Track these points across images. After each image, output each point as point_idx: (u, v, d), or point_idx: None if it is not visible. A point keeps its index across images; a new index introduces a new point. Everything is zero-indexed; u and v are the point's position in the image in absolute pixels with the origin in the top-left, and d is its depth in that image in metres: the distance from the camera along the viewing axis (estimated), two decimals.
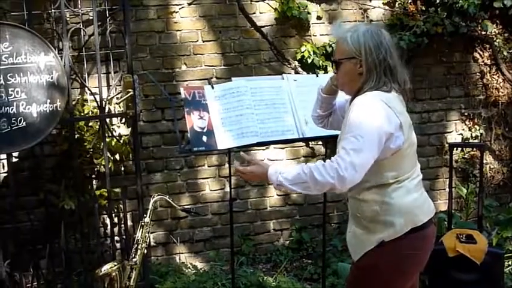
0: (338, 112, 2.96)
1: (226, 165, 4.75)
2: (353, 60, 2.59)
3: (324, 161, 2.49)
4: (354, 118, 2.49)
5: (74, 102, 4.42)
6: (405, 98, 2.67)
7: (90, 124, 4.53)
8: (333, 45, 5.04)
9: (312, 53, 5.02)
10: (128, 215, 4.60)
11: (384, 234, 2.59)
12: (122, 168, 4.70)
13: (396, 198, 2.59)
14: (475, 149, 5.51)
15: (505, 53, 5.56)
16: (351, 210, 2.76)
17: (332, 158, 2.47)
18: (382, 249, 2.59)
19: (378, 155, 2.49)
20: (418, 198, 2.67)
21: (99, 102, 4.27)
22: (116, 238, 4.64)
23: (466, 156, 5.60)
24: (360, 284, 2.73)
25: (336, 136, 3.33)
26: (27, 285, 4.35)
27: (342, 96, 2.92)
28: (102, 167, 4.45)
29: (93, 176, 4.62)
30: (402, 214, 2.59)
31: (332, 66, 5.04)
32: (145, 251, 3.21)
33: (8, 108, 3.81)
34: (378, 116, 2.49)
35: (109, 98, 4.51)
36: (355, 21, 5.23)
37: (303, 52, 5.03)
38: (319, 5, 5.15)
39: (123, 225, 4.56)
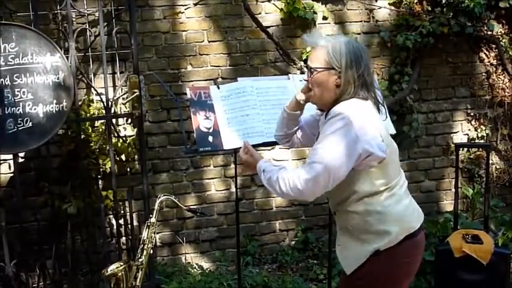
0: (306, 128, 2.92)
1: (232, 166, 4.76)
2: (332, 71, 2.53)
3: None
4: (329, 129, 2.45)
5: (80, 103, 4.43)
6: (378, 109, 2.62)
7: (96, 124, 4.55)
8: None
9: None
10: (134, 215, 4.60)
11: (379, 244, 2.55)
12: (128, 169, 4.70)
13: (389, 207, 2.56)
14: (481, 149, 5.50)
15: (511, 53, 5.54)
16: (341, 224, 2.69)
17: (298, 168, 2.46)
18: (376, 258, 2.55)
19: (351, 167, 2.45)
20: (409, 205, 2.66)
21: (105, 103, 4.27)
22: (122, 238, 4.64)
23: (472, 157, 5.59)
24: None
25: None
26: (34, 285, 4.36)
27: (306, 113, 2.89)
28: (108, 167, 4.45)
29: (99, 176, 4.63)
30: (396, 222, 2.57)
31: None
32: (151, 251, 3.21)
33: (14, 108, 3.82)
34: (354, 126, 2.44)
35: (115, 98, 4.52)
36: (361, 21, 5.23)
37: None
38: (325, 6, 5.14)
39: (129, 226, 4.57)
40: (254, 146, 3.45)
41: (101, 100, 4.36)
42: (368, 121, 2.50)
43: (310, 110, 2.87)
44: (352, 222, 2.60)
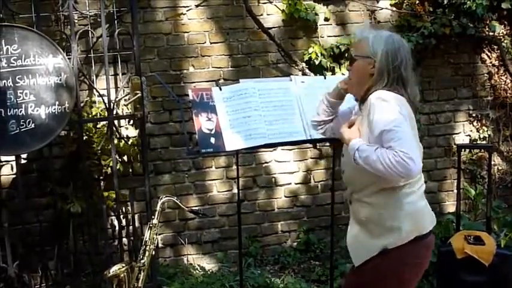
0: (341, 120, 2.94)
1: (234, 167, 4.76)
2: (367, 60, 2.62)
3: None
4: (379, 114, 2.49)
5: (82, 104, 4.43)
6: (413, 110, 2.66)
7: (98, 126, 4.55)
8: (341, 46, 5.07)
9: (319, 54, 5.02)
10: (136, 217, 4.61)
11: (388, 241, 2.58)
12: (130, 170, 4.71)
13: (406, 204, 2.59)
14: (483, 150, 5.50)
15: None
16: (355, 214, 2.73)
17: (390, 151, 2.42)
18: (385, 257, 2.58)
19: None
20: (425, 206, 2.69)
21: (107, 104, 4.28)
22: (124, 239, 4.65)
23: (474, 158, 5.58)
24: None
25: None
26: (36, 286, 4.37)
27: (345, 105, 2.94)
28: (110, 168, 4.45)
29: (101, 177, 4.63)
30: (409, 220, 2.59)
31: (340, 66, 5.06)
32: (153, 253, 3.21)
33: (16, 110, 3.82)
34: (398, 105, 2.51)
35: (117, 99, 4.52)
36: (362, 22, 5.22)
37: (311, 53, 5.03)
38: (327, 7, 5.15)
39: (131, 227, 4.57)
40: (256, 147, 3.49)
41: (103, 101, 4.36)
42: (403, 106, 2.54)
43: (349, 103, 2.93)
44: (366, 214, 2.63)
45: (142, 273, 3.11)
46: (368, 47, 2.62)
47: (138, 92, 4.21)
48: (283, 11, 5.02)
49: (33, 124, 3.86)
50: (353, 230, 2.73)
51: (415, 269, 2.67)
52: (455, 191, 4.65)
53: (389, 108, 2.49)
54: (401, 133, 2.43)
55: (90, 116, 4.54)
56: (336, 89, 2.89)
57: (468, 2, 5.17)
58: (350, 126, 2.68)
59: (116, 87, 4.67)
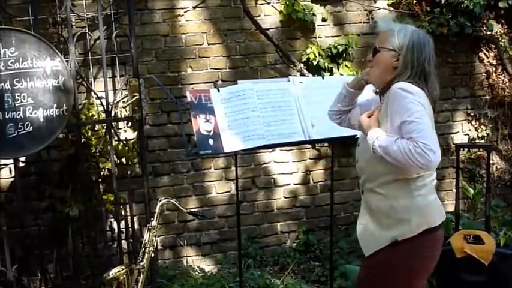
0: (358, 110, 2.95)
1: (233, 168, 4.75)
2: (392, 53, 2.63)
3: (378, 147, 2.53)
4: (401, 104, 2.52)
5: (80, 107, 4.43)
6: (432, 104, 2.69)
7: (96, 128, 4.54)
8: (338, 46, 5.06)
9: (317, 55, 5.02)
10: (135, 219, 4.60)
11: (397, 232, 2.59)
12: (129, 172, 4.70)
13: (418, 197, 2.61)
14: (481, 150, 5.50)
15: (511, 53, 5.54)
16: (366, 204, 2.74)
17: (411, 142, 2.44)
18: (395, 249, 2.59)
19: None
20: (435, 200, 2.70)
21: (105, 106, 4.28)
22: (123, 242, 4.64)
23: (472, 157, 5.59)
24: (371, 285, 2.72)
25: (341, 138, 3.35)
26: None
27: (363, 96, 2.95)
28: (108, 170, 4.45)
29: (100, 179, 4.63)
30: (420, 213, 2.60)
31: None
32: (153, 255, 3.21)
33: (14, 113, 3.82)
34: (420, 97, 2.54)
35: (115, 101, 4.51)
36: (360, 22, 5.23)
37: (309, 54, 5.02)
38: (324, 7, 5.15)
39: (130, 229, 4.57)
40: (255, 148, 3.48)
41: (101, 104, 4.36)
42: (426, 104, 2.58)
43: (367, 96, 2.94)
44: (378, 204, 2.65)
45: (141, 275, 3.11)
46: (393, 39, 2.63)
47: (136, 94, 4.21)
48: (280, 11, 5.02)
49: (31, 127, 3.85)
50: (363, 219, 2.76)
51: (425, 261, 2.67)
52: (454, 190, 4.66)
53: (412, 100, 2.51)
54: (423, 125, 2.46)
55: (88, 118, 4.53)
56: (356, 79, 2.90)
57: (465, 1, 5.17)
58: (369, 116, 2.69)
59: (114, 90, 4.67)
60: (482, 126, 5.59)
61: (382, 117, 2.64)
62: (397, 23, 2.74)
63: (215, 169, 5.04)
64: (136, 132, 4.56)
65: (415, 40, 2.63)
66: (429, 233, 2.62)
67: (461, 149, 5.34)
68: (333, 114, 3.04)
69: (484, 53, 5.57)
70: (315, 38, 5.15)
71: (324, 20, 5.16)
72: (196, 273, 4.85)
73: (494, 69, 5.58)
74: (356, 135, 3.40)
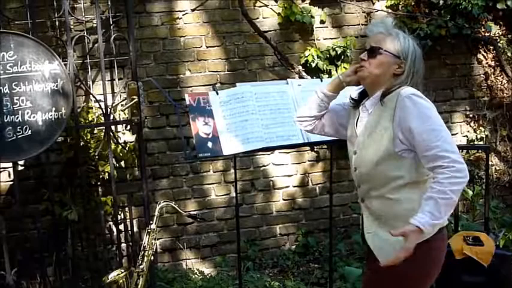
0: (332, 116, 2.91)
1: (232, 171, 4.75)
2: (396, 59, 2.60)
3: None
4: (419, 111, 2.49)
5: (78, 110, 4.43)
6: None
7: (95, 131, 4.54)
8: (337, 48, 5.06)
9: (315, 57, 5.02)
10: (134, 222, 4.60)
11: None
12: (128, 175, 4.70)
13: None
14: (480, 151, 5.50)
15: (509, 54, 5.56)
16: (371, 211, 2.67)
17: (438, 164, 2.40)
18: (413, 254, 2.49)
19: None
20: None
21: (104, 109, 4.28)
22: (123, 245, 4.64)
23: (471, 158, 5.59)
24: None
25: (340, 140, 3.33)
26: None
27: (333, 101, 2.90)
28: (107, 174, 4.45)
29: (99, 183, 4.63)
30: None
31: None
32: (152, 258, 3.21)
33: (13, 116, 3.82)
34: (431, 105, 2.55)
35: (114, 105, 4.52)
36: (359, 24, 5.24)
37: (307, 56, 5.03)
38: (323, 9, 5.16)
39: (129, 232, 4.57)
40: (253, 151, 3.48)
41: (100, 107, 4.36)
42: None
43: (336, 101, 2.91)
44: (389, 210, 2.60)
45: (141, 278, 3.11)
46: (399, 46, 2.60)
47: (134, 97, 4.21)
48: (279, 14, 5.03)
49: (30, 131, 3.85)
50: (371, 228, 2.68)
51: (438, 261, 2.66)
52: None
53: (428, 106, 2.52)
54: (444, 131, 2.48)
55: (87, 121, 4.53)
56: (335, 82, 2.84)
57: (463, 3, 5.18)
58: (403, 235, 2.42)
59: (113, 93, 4.67)
60: (481, 128, 5.59)
61: (381, 121, 2.57)
62: (396, 29, 2.68)
63: (214, 172, 5.04)
64: (135, 135, 4.56)
65: (417, 51, 2.63)
66: (440, 232, 2.61)
67: (460, 151, 5.32)
68: (305, 120, 2.95)
69: (483, 55, 5.58)
70: (314, 40, 5.15)
71: (322, 22, 5.16)
72: (196, 276, 4.85)
73: (492, 70, 5.59)
74: None
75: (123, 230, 4.63)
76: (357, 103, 2.76)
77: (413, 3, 5.25)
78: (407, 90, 2.54)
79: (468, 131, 5.59)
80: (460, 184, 2.41)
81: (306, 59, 5.04)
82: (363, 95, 2.75)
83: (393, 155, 2.54)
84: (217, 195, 5.06)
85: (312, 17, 5.05)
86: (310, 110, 2.92)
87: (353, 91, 2.83)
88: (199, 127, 3.34)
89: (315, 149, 5.21)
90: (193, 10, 4.89)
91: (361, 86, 2.77)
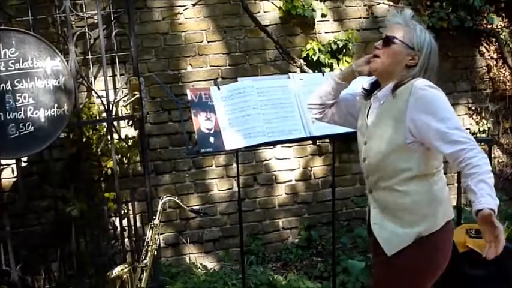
0: (342, 105, 2.92)
1: (234, 165, 4.76)
2: (410, 51, 2.59)
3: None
4: (435, 102, 2.52)
5: (81, 106, 4.44)
6: None
7: (97, 127, 4.55)
8: (338, 42, 5.06)
9: (317, 50, 5.02)
10: (137, 217, 4.61)
11: (422, 228, 2.57)
12: (130, 171, 4.71)
13: (437, 190, 2.61)
14: (483, 143, 5.49)
15: None
16: (378, 202, 2.68)
17: (461, 148, 2.41)
18: (420, 245, 2.56)
19: None
20: (448, 191, 2.72)
21: (106, 105, 4.28)
22: (126, 240, 4.65)
23: None
24: (394, 283, 2.68)
25: (341, 134, 3.32)
26: None
27: (344, 90, 2.90)
28: (110, 169, 4.46)
29: (102, 178, 4.64)
30: (442, 206, 2.61)
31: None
32: (155, 253, 3.22)
33: (15, 113, 3.82)
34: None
35: (116, 100, 4.52)
36: (360, 18, 5.23)
37: (308, 50, 5.02)
38: (324, 3, 5.15)
39: (132, 227, 4.58)
40: (255, 146, 3.49)
41: (102, 103, 4.36)
42: None
43: (348, 90, 2.92)
44: (397, 201, 2.60)
45: (144, 273, 3.12)
46: (414, 38, 2.60)
47: (136, 92, 4.21)
48: (280, 8, 5.02)
49: (32, 127, 3.86)
50: (376, 219, 2.69)
51: (445, 252, 2.68)
52: (456, 184, 4.65)
53: (444, 98, 2.54)
54: (459, 122, 2.53)
55: (89, 117, 4.54)
56: (347, 71, 2.85)
57: None
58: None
59: (115, 88, 4.68)
60: (483, 120, 5.59)
61: (393, 114, 2.57)
62: (414, 21, 2.66)
63: (216, 167, 5.05)
64: (137, 131, 4.57)
65: (433, 45, 2.62)
66: (447, 225, 2.63)
67: None
68: (315, 108, 2.97)
69: (485, 47, 5.56)
70: (315, 33, 5.15)
71: (323, 15, 5.16)
72: (199, 270, 4.86)
73: (495, 62, 5.59)
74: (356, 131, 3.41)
75: (126, 225, 4.64)
76: (368, 93, 2.76)
77: None
78: (422, 82, 2.54)
79: (471, 124, 5.59)
80: (489, 164, 2.42)
81: (307, 52, 5.03)
82: (375, 86, 2.75)
83: (403, 146, 2.54)
84: (219, 190, 5.06)
85: (313, 10, 5.04)
86: (320, 98, 2.94)
87: (365, 81, 2.84)
88: (201, 122, 3.34)
89: (317, 143, 5.21)
90: (194, 5, 4.88)
91: (373, 77, 2.77)
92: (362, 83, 2.84)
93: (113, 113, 4.41)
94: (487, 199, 2.32)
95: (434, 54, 2.63)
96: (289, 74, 3.69)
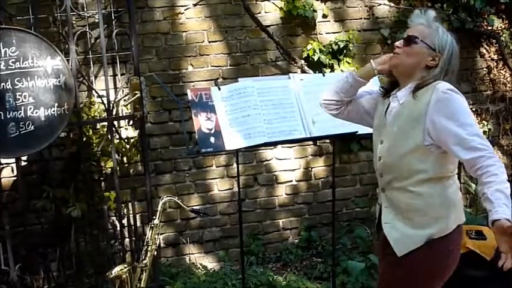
0: (359, 103, 2.90)
1: (235, 165, 4.76)
2: (431, 51, 2.59)
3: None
4: (457, 107, 2.48)
5: (81, 105, 4.43)
6: None
7: (98, 127, 4.55)
8: (339, 43, 5.06)
9: (318, 51, 5.01)
10: (137, 217, 4.61)
11: (434, 230, 2.56)
12: (131, 170, 4.71)
13: (451, 193, 2.60)
14: None
15: None
16: (391, 202, 2.66)
17: (479, 155, 2.41)
18: (431, 247, 2.56)
19: None
20: (461, 195, 2.71)
21: (106, 105, 4.28)
22: (126, 240, 4.65)
23: None
24: (402, 284, 2.67)
25: (342, 134, 3.32)
26: None
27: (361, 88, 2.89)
28: (110, 169, 4.46)
29: (102, 178, 4.64)
30: (454, 209, 2.61)
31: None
32: (155, 253, 3.22)
33: (16, 112, 3.82)
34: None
35: (116, 100, 4.52)
36: (361, 18, 5.23)
37: (309, 51, 5.02)
38: (325, 3, 5.14)
39: (132, 227, 4.57)
40: (256, 146, 3.48)
41: (102, 102, 4.36)
42: None
43: (365, 89, 2.90)
44: (410, 202, 2.59)
45: (144, 273, 3.12)
46: (436, 39, 2.60)
47: (137, 92, 4.21)
48: (281, 8, 5.02)
49: (32, 126, 3.85)
50: (388, 218, 2.67)
51: (455, 255, 2.67)
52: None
53: (465, 102, 2.51)
54: (478, 129, 2.51)
55: (90, 117, 4.53)
56: (367, 68, 2.83)
57: None
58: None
59: (115, 88, 4.67)
60: (483, 122, 5.59)
61: (413, 115, 2.55)
62: (437, 23, 2.67)
63: (217, 167, 5.05)
64: (137, 131, 4.56)
65: (455, 47, 2.62)
66: (458, 228, 2.63)
67: None
68: (332, 104, 2.92)
69: (485, 48, 5.56)
70: (316, 34, 5.14)
71: (324, 16, 5.15)
72: (199, 270, 4.86)
73: (495, 64, 5.58)
74: (357, 131, 3.41)
75: (126, 225, 4.64)
76: (387, 92, 2.76)
77: None
78: (444, 85, 2.52)
79: None
80: (505, 173, 2.41)
81: (308, 53, 5.03)
82: (394, 85, 2.74)
83: (421, 148, 2.53)
84: (220, 190, 5.06)
85: (314, 11, 5.04)
86: (338, 95, 2.89)
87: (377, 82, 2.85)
88: (201, 122, 3.34)
89: (318, 144, 5.21)
90: (195, 5, 4.88)
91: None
92: (377, 83, 2.85)
93: (114, 113, 4.41)
94: (503, 209, 2.31)
95: (456, 56, 2.62)
96: (290, 74, 3.69)
